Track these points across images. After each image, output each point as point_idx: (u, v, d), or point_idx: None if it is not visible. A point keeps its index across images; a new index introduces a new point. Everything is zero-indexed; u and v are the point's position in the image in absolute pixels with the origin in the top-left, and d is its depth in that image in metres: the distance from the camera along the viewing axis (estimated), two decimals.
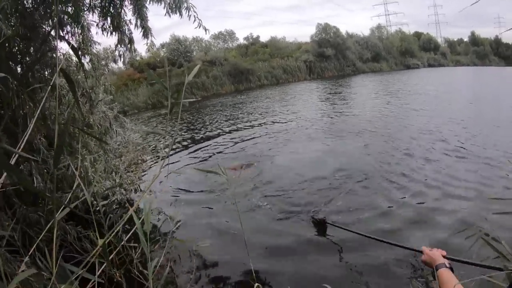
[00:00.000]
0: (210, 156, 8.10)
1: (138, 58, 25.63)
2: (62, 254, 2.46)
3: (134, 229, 1.55)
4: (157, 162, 7.90)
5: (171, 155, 8.35)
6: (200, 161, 7.85)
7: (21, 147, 1.25)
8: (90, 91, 4.70)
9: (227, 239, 4.03)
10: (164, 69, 24.31)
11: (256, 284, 1.68)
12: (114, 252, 1.97)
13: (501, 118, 9.46)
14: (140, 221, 1.49)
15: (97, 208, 2.77)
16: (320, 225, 4.02)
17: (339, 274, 3.20)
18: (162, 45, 28.29)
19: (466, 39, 48.27)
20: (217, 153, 8.34)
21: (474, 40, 46.66)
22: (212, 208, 5.01)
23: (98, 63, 5.21)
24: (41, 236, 1.82)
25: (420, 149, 7.06)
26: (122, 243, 2.13)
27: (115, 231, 1.47)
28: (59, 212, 1.57)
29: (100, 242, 1.40)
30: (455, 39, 48.76)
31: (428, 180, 5.30)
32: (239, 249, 3.73)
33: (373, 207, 4.56)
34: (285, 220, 4.41)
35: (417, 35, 44.11)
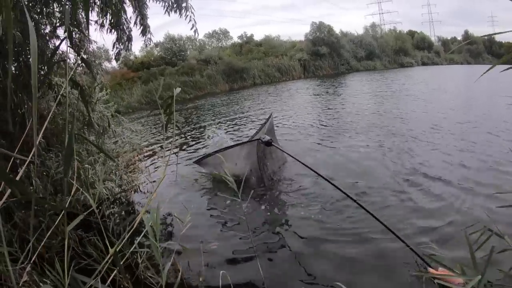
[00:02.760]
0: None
1: (132, 57, 25.37)
2: (73, 265, 2.36)
3: (142, 234, 1.55)
4: (155, 161, 7.83)
5: (167, 155, 8.13)
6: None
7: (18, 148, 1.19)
8: (90, 90, 4.61)
9: (235, 241, 3.97)
10: (158, 68, 24.11)
11: None
12: (124, 259, 1.91)
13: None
14: (149, 223, 1.45)
15: (100, 210, 2.68)
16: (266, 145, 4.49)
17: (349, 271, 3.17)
18: (156, 44, 28.09)
19: (459, 37, 48.62)
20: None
21: (468, 38, 47.00)
22: (217, 209, 4.92)
23: (94, 62, 5.12)
24: (42, 243, 1.75)
25: (422, 144, 7.16)
26: (132, 249, 2.06)
27: (124, 238, 1.41)
28: (60, 216, 1.49)
29: (111, 250, 1.36)
30: (449, 38, 49.01)
31: (432, 175, 5.32)
32: (248, 252, 3.70)
33: (376, 196, 4.67)
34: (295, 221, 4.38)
35: (411, 33, 44.28)
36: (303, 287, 2.97)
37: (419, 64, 40.47)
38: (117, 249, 1.37)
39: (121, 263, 2.12)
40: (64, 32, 3.28)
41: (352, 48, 36.63)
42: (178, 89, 1.54)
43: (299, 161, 3.80)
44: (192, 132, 11.40)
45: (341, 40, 35.19)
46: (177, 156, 7.44)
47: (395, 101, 14.12)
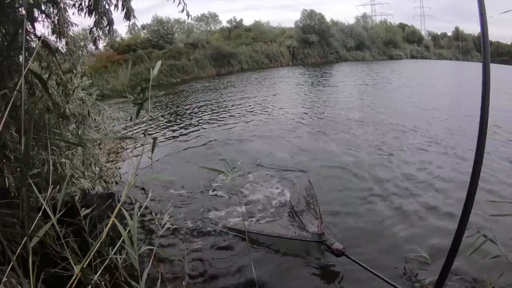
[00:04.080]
0: (190, 143, 8.12)
1: (118, 39, 24.62)
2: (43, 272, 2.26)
3: (120, 242, 1.47)
4: (138, 148, 7.55)
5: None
6: (182, 149, 7.70)
7: None
8: (67, 77, 4.36)
9: (218, 239, 3.97)
10: (145, 51, 23.46)
11: None
12: (102, 260, 1.83)
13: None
14: (126, 231, 1.37)
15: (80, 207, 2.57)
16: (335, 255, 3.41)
17: None
18: (143, 27, 27.31)
19: (450, 33, 48.98)
20: (200, 142, 8.25)
21: (458, 35, 47.38)
22: (198, 201, 4.92)
23: (74, 46, 4.84)
24: (21, 246, 1.64)
25: (406, 143, 7.41)
26: (110, 256, 1.98)
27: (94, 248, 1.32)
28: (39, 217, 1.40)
29: (77, 270, 1.21)
30: (439, 33, 49.31)
31: (419, 180, 5.54)
32: (234, 249, 3.74)
33: (362, 205, 4.77)
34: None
35: (402, 26, 44.25)
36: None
37: (408, 57, 40.64)
38: (94, 252, 1.29)
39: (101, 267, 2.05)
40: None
41: (342, 37, 36.41)
42: (159, 63, 1.34)
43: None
44: (174, 118, 11.31)
45: (331, 29, 34.89)
46: (150, 157, 7.48)
47: (376, 93, 14.61)
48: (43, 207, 1.38)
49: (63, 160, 3.28)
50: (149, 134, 9.21)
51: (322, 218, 4.18)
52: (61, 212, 1.54)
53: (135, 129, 10.25)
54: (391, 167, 6.09)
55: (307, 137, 8.11)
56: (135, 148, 7.76)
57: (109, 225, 1.38)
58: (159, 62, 1.39)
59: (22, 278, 1.00)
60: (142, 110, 1.38)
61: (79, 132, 4.36)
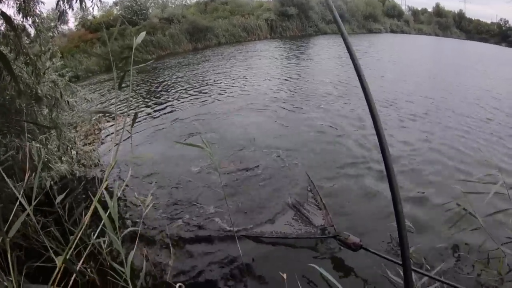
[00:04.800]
0: (169, 123, 7.98)
1: (90, 17, 23.53)
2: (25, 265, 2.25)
3: (101, 225, 1.47)
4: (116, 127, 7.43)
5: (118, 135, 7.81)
6: (161, 129, 7.63)
7: None
8: (35, 58, 4.16)
9: (201, 217, 3.98)
10: (119, 28, 22.43)
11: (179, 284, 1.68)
12: (85, 248, 1.82)
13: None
14: (106, 214, 1.40)
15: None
16: (351, 249, 3.07)
17: None
18: (116, 3, 26.06)
19: (430, 9, 49.25)
20: (176, 120, 8.21)
21: (438, 11, 47.69)
22: (182, 184, 4.89)
23: (42, 26, 4.59)
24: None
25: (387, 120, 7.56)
26: (92, 241, 1.99)
27: (82, 228, 1.33)
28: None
29: (58, 262, 1.23)
30: (419, 9, 49.48)
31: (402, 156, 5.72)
32: (217, 227, 3.73)
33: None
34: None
35: (382, 0, 44.02)
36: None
37: (387, 31, 40.80)
38: (77, 238, 1.29)
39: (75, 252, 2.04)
40: None
41: (321, 10, 35.88)
42: (143, 34, 1.33)
43: None
44: (150, 95, 11.18)
45: (310, 2, 34.29)
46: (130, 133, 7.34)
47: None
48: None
49: (37, 145, 3.20)
50: (122, 113, 8.90)
51: (327, 208, 3.84)
52: (37, 200, 1.53)
53: (108, 107, 10.09)
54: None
55: (284, 113, 8.20)
56: (112, 126, 7.68)
57: (90, 212, 1.39)
58: (143, 33, 1.36)
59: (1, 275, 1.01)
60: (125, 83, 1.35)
61: (53, 115, 4.22)
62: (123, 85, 1.35)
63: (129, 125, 1.36)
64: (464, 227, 3.03)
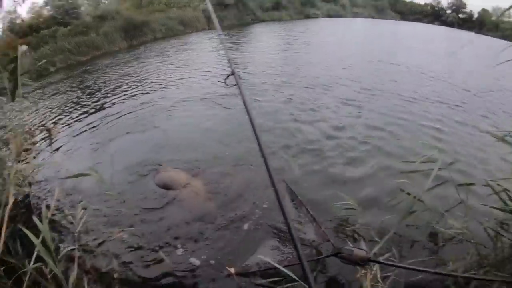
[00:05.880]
0: (104, 129, 7.58)
1: (18, 21, 23.18)
2: None
3: (35, 254, 1.62)
4: (52, 140, 7.06)
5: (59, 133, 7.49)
6: (96, 142, 6.83)
7: None
8: None
9: (143, 226, 3.90)
10: (49, 30, 22.47)
11: None
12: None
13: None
14: (39, 240, 1.51)
15: None
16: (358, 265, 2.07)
17: None
18: (46, 2, 25.47)
19: None
20: (113, 124, 7.77)
21: None
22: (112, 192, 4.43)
23: None
24: None
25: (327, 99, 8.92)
26: (29, 271, 2.01)
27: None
28: None
29: None
30: None
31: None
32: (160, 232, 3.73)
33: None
34: None
35: None
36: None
37: (324, 16, 42.93)
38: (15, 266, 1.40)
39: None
40: None
41: None
42: (24, 47, 1.60)
43: None
44: (82, 101, 10.55)
45: None
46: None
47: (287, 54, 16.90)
48: None
49: None
50: (45, 127, 8.11)
51: (317, 221, 3.36)
52: None
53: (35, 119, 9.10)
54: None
55: (219, 110, 8.22)
56: (45, 139, 7.15)
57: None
58: (25, 46, 1.83)
59: None
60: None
61: None
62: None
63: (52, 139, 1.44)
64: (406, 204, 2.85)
